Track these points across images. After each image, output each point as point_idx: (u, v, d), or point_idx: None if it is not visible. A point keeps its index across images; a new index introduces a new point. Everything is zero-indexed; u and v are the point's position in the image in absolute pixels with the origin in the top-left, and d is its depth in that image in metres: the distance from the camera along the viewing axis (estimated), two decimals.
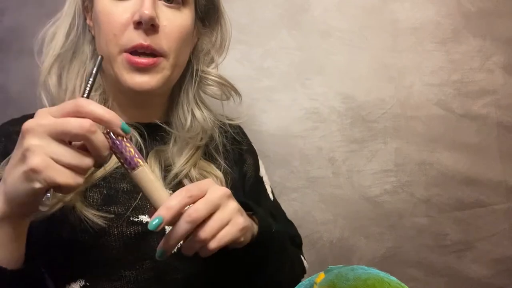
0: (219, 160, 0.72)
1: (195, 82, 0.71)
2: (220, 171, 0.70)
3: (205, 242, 0.48)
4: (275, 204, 0.81)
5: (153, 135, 0.69)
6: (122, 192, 0.61)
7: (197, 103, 0.72)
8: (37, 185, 0.42)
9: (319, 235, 0.98)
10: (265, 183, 0.80)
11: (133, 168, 0.47)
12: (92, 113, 0.44)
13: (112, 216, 0.59)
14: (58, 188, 0.43)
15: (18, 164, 0.43)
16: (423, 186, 0.97)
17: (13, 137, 0.63)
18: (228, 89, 0.74)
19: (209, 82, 0.72)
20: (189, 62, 0.71)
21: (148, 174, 0.47)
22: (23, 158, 0.42)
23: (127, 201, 0.61)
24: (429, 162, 0.97)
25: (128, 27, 0.60)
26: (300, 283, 0.45)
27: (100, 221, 0.57)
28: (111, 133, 0.46)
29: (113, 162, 0.63)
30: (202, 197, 0.49)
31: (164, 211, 0.46)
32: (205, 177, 0.67)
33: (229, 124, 0.77)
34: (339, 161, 0.98)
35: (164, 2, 0.62)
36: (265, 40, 1.00)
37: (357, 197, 0.98)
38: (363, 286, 0.37)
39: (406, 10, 0.98)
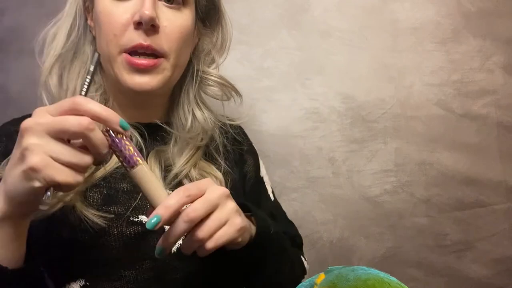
0: (220, 160, 0.72)
1: (195, 83, 0.71)
2: (220, 171, 0.70)
3: (202, 241, 0.49)
4: (276, 204, 0.81)
5: (154, 135, 0.69)
6: (122, 192, 0.62)
7: (197, 104, 0.72)
8: (37, 184, 0.42)
9: (319, 235, 0.98)
10: (265, 184, 0.80)
11: (132, 167, 0.47)
12: (90, 111, 0.44)
13: (112, 216, 0.59)
14: (58, 186, 0.43)
15: (17, 163, 0.43)
16: (423, 186, 0.97)
17: (14, 137, 0.63)
18: (228, 89, 0.74)
19: (210, 83, 0.72)
20: (190, 63, 0.71)
21: (147, 173, 0.47)
22: (22, 157, 0.42)
23: (127, 201, 0.61)
24: (429, 162, 0.97)
25: (129, 28, 0.60)
26: (300, 284, 0.45)
27: (100, 221, 0.57)
28: (111, 132, 0.46)
29: (113, 162, 0.63)
30: (201, 196, 0.49)
31: (162, 210, 0.46)
32: (204, 177, 0.66)
33: (230, 125, 0.77)
34: (339, 161, 0.98)
35: (164, 3, 0.62)
36: (265, 40, 1.00)
37: (357, 197, 0.98)
38: (363, 286, 0.37)
39: (406, 10, 0.98)
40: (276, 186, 0.95)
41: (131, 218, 0.60)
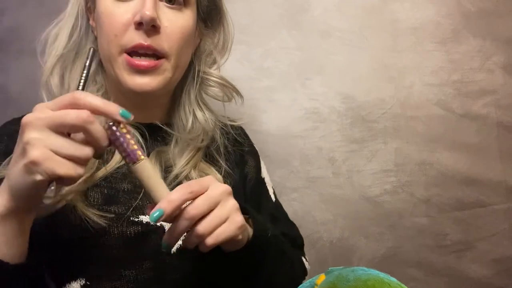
0: (220, 161, 0.72)
1: (196, 83, 0.71)
2: (221, 173, 0.70)
3: (203, 237, 0.49)
4: (277, 205, 0.81)
5: (154, 136, 0.69)
6: (122, 192, 0.62)
7: (198, 104, 0.72)
8: (38, 177, 0.42)
9: (319, 235, 0.98)
10: (266, 185, 0.80)
11: (134, 162, 0.47)
12: (89, 104, 0.45)
13: (113, 215, 0.59)
14: (59, 179, 0.44)
15: (19, 158, 0.44)
16: (423, 186, 0.97)
17: (15, 136, 0.63)
18: (229, 90, 0.74)
19: (211, 83, 0.72)
20: (191, 63, 0.71)
21: (150, 168, 0.48)
22: (23, 151, 0.43)
23: (127, 201, 0.61)
24: (429, 162, 0.97)
25: (129, 28, 0.60)
26: (301, 285, 0.45)
27: (100, 221, 0.58)
28: (114, 127, 0.47)
29: (114, 162, 0.63)
30: (203, 193, 0.49)
31: (165, 204, 0.46)
32: None
33: (231, 125, 0.77)
34: (339, 161, 0.98)
35: (165, 3, 0.62)
36: (265, 40, 1.00)
37: (357, 197, 0.98)
38: (363, 287, 0.37)
39: (406, 10, 0.98)
40: (276, 186, 0.94)
41: (131, 218, 0.60)
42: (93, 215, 0.57)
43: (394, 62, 0.98)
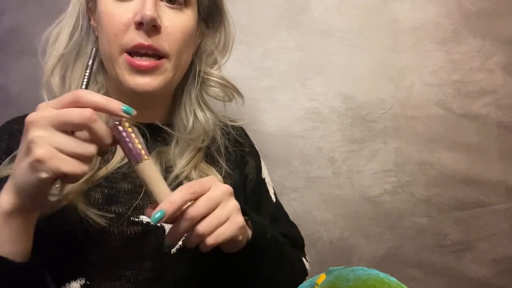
0: (221, 162, 0.72)
1: (197, 83, 0.71)
2: (221, 173, 0.70)
3: (203, 237, 0.49)
4: (277, 205, 0.80)
5: (155, 136, 0.69)
6: (123, 192, 0.62)
7: (199, 104, 0.72)
8: (43, 175, 0.43)
9: (319, 235, 0.98)
10: (267, 185, 0.80)
11: (138, 162, 0.47)
12: (92, 102, 0.45)
13: (113, 215, 0.59)
14: (64, 177, 0.44)
15: (24, 156, 0.44)
16: (423, 186, 0.97)
17: (16, 135, 0.64)
18: (230, 90, 0.74)
19: (211, 84, 0.72)
20: (192, 63, 0.70)
21: (153, 168, 0.48)
22: (28, 150, 0.43)
23: (128, 201, 0.61)
24: (429, 162, 0.97)
25: (130, 28, 0.60)
26: (301, 285, 0.45)
27: (101, 221, 0.58)
28: (119, 127, 0.47)
29: (115, 161, 0.63)
30: (204, 193, 0.50)
31: (167, 205, 0.46)
32: None
33: (232, 126, 0.77)
34: (339, 161, 0.98)
35: (166, 3, 0.62)
36: (265, 40, 1.00)
37: (357, 197, 0.98)
38: (363, 286, 0.37)
39: (406, 10, 0.98)
40: (276, 186, 0.94)
41: (131, 218, 0.60)
42: (94, 215, 0.58)
43: (394, 62, 0.98)
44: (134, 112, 0.48)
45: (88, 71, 0.51)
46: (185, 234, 0.50)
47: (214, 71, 0.72)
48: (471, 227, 0.96)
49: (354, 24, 0.99)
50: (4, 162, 0.59)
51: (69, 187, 0.57)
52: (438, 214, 0.97)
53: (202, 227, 0.49)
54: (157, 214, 0.46)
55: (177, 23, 0.62)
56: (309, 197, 0.99)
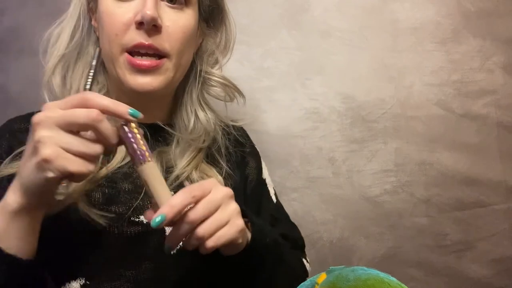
0: (221, 162, 0.71)
1: (198, 83, 0.71)
2: (222, 174, 0.70)
3: (203, 239, 0.49)
4: (278, 206, 0.80)
5: (156, 136, 0.69)
6: (123, 192, 0.62)
7: (200, 104, 0.72)
8: (50, 174, 0.43)
9: (319, 235, 0.98)
10: (268, 186, 0.80)
11: (141, 163, 0.48)
12: (99, 105, 0.46)
13: (113, 215, 0.59)
14: (71, 176, 0.45)
15: (30, 156, 0.45)
16: (423, 186, 0.97)
17: (17, 134, 0.64)
18: (231, 90, 0.74)
19: (213, 83, 0.72)
20: (193, 63, 0.70)
21: (155, 171, 0.49)
22: (35, 150, 0.44)
23: (128, 201, 0.61)
24: (429, 162, 0.97)
25: (130, 27, 0.60)
26: (301, 283, 0.45)
27: (101, 221, 0.58)
28: (125, 127, 0.48)
29: (115, 161, 0.63)
30: (205, 196, 0.50)
31: (167, 209, 0.47)
32: None
33: (233, 126, 0.77)
34: (339, 161, 0.98)
35: (166, 3, 0.62)
36: (265, 40, 1.00)
37: (357, 197, 0.98)
38: (363, 286, 0.37)
39: (406, 10, 0.98)
40: (276, 186, 0.94)
41: (132, 218, 0.60)
42: (94, 215, 0.58)
43: (394, 62, 0.98)
44: (141, 115, 0.48)
45: (92, 71, 0.52)
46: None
47: (215, 70, 0.72)
48: (471, 227, 0.96)
49: (354, 24, 0.99)
50: (5, 161, 0.59)
51: (73, 186, 0.57)
52: (438, 214, 0.97)
53: (202, 230, 0.49)
54: (157, 218, 0.46)
55: (178, 22, 0.62)
56: (309, 197, 0.98)
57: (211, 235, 0.49)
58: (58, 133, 0.44)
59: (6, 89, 1.02)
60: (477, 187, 0.96)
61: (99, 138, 0.46)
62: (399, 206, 0.97)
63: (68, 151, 0.44)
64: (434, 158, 0.97)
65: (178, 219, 0.48)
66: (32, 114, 0.70)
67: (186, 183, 0.65)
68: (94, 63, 0.53)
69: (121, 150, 0.63)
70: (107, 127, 0.46)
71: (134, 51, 0.61)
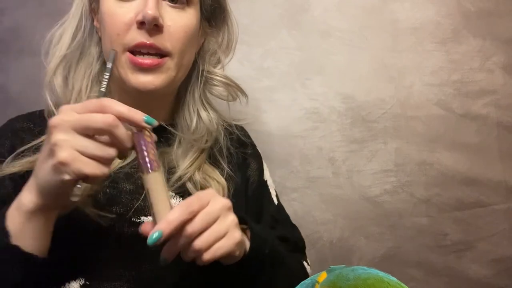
0: (223, 164, 0.71)
1: (201, 83, 0.71)
2: (223, 175, 0.70)
3: (200, 252, 0.49)
4: (279, 208, 0.80)
5: (158, 137, 0.69)
6: (125, 193, 0.62)
7: (203, 104, 0.72)
8: (66, 177, 0.44)
9: (319, 235, 0.98)
10: (269, 187, 0.80)
11: (147, 172, 0.48)
12: (116, 111, 0.47)
13: (114, 216, 0.59)
14: (86, 178, 0.46)
15: (47, 158, 0.45)
16: (423, 186, 0.97)
17: (19, 133, 0.64)
18: (234, 89, 0.74)
19: (215, 83, 0.72)
20: (195, 63, 0.71)
21: (160, 182, 0.49)
22: (51, 152, 0.45)
23: (129, 201, 0.61)
24: (429, 162, 0.97)
25: (132, 27, 0.60)
26: (302, 282, 0.45)
27: (102, 221, 0.58)
28: (139, 134, 0.49)
29: (116, 162, 0.63)
30: (203, 209, 0.50)
31: (164, 225, 0.47)
32: (208, 182, 0.67)
33: (235, 126, 0.77)
34: (339, 161, 0.98)
35: (168, 2, 0.62)
36: (265, 40, 1.00)
37: (357, 197, 0.98)
38: (363, 285, 0.37)
39: (406, 10, 0.98)
40: (276, 186, 0.94)
41: (132, 219, 0.60)
42: (95, 215, 0.58)
43: (394, 62, 0.98)
44: (156, 122, 0.49)
45: (107, 74, 0.54)
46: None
47: (217, 70, 0.72)
48: (471, 227, 0.96)
49: (354, 24, 0.99)
50: (7, 160, 0.60)
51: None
52: (438, 214, 0.97)
53: (199, 243, 0.49)
54: (154, 235, 0.46)
55: (179, 22, 0.62)
56: (309, 197, 0.98)
57: (209, 247, 0.50)
58: (74, 136, 0.45)
59: (6, 89, 1.02)
60: (477, 187, 0.96)
61: (114, 141, 0.47)
62: (399, 206, 0.97)
63: (83, 154, 0.45)
64: (434, 158, 0.97)
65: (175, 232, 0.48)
66: (33, 113, 0.70)
67: (188, 184, 0.65)
68: (110, 65, 0.54)
69: None
70: (123, 132, 0.47)
71: (136, 50, 0.61)
